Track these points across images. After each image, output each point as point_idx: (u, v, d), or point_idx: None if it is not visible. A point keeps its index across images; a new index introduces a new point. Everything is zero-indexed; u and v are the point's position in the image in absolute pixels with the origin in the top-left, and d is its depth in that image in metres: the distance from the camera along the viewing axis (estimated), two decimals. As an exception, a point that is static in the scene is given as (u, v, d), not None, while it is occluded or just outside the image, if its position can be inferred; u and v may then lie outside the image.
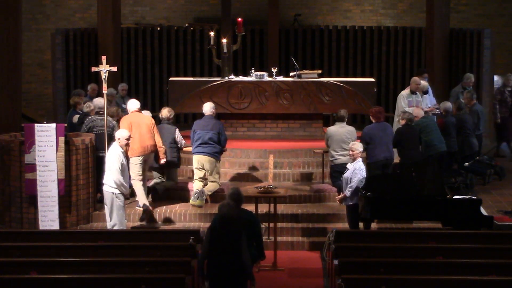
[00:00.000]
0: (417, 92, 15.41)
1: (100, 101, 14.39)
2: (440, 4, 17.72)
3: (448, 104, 14.95)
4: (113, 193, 12.22)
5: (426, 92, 15.58)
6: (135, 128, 13.53)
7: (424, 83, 15.68)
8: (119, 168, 12.16)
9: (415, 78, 15.68)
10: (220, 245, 9.26)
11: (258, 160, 14.94)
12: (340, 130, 13.62)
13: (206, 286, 9.44)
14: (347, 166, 12.53)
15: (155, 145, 13.62)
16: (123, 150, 12.37)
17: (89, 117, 14.23)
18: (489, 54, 18.13)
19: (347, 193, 12.22)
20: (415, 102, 15.28)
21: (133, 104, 13.97)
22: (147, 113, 14.58)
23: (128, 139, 12.52)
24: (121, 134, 12.50)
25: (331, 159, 13.61)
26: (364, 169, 12.29)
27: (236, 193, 10.22)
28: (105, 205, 12.45)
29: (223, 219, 9.35)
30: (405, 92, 15.53)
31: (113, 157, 12.24)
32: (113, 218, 12.30)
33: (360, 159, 12.32)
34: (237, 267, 9.24)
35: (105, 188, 12.29)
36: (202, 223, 13.21)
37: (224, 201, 9.90)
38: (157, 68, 20.11)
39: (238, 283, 9.33)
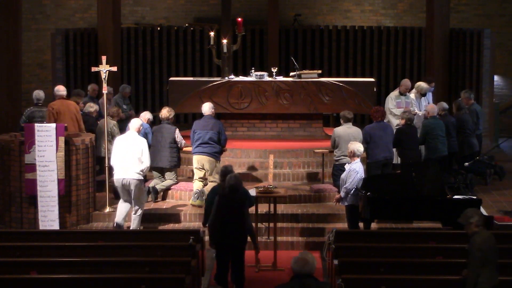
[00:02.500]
0: (407, 94, 15.39)
1: (39, 93, 14.60)
2: (440, 4, 17.73)
3: (445, 104, 14.94)
4: (140, 180, 12.63)
5: (424, 95, 15.53)
6: (59, 115, 13.88)
7: (424, 85, 15.61)
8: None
9: (405, 80, 15.70)
10: (228, 211, 10.59)
11: (258, 160, 14.94)
12: (348, 131, 13.60)
13: (213, 248, 10.76)
14: (345, 166, 12.53)
15: (78, 130, 13.95)
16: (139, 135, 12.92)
17: (28, 109, 14.44)
18: (489, 54, 18.14)
19: (342, 194, 12.22)
20: (404, 104, 15.26)
21: (59, 91, 14.28)
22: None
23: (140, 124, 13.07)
24: (134, 124, 12.89)
25: (336, 158, 13.59)
26: (361, 171, 12.21)
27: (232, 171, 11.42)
28: (122, 193, 12.70)
29: (232, 188, 10.68)
30: (394, 93, 15.53)
31: (144, 146, 12.68)
32: (141, 204, 12.73)
33: (358, 160, 12.26)
34: (241, 231, 10.66)
35: (133, 176, 12.56)
36: (202, 223, 13.22)
37: (232, 174, 11.01)
38: (157, 68, 20.12)
39: (241, 245, 10.75)
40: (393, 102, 15.30)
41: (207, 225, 11.23)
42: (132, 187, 12.59)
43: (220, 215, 10.64)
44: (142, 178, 12.69)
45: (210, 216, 10.86)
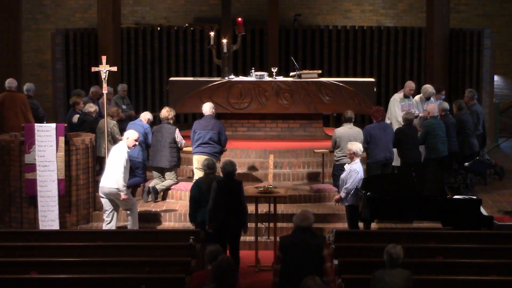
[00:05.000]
0: (410, 96, 15.35)
1: (30, 85, 15.39)
2: (440, 4, 17.72)
3: (445, 104, 14.93)
4: (117, 189, 12.29)
5: (428, 99, 15.45)
6: (3, 107, 14.32)
7: (430, 89, 15.51)
8: (124, 169, 12.27)
9: (410, 82, 15.63)
10: (225, 195, 11.15)
11: (258, 160, 14.94)
12: (349, 131, 13.61)
13: (210, 231, 11.20)
14: (345, 166, 12.53)
15: (21, 123, 14.04)
16: (129, 150, 12.46)
17: None
18: (489, 54, 18.13)
19: (342, 194, 12.22)
20: (408, 106, 15.23)
21: (8, 83, 14.64)
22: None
23: (136, 140, 12.58)
24: (130, 134, 12.55)
25: (336, 158, 13.59)
26: (361, 171, 12.22)
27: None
28: (103, 201, 12.46)
29: (228, 174, 11.27)
30: (398, 96, 15.45)
31: (119, 157, 12.27)
32: (129, 206, 12.46)
33: (358, 160, 12.27)
34: (238, 215, 11.20)
35: (110, 184, 12.29)
36: (202, 223, 13.21)
37: (227, 160, 11.57)
38: (157, 68, 20.11)
39: (238, 229, 11.32)
40: (398, 105, 15.22)
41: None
42: (112, 197, 12.38)
43: (219, 201, 11.14)
44: (120, 187, 12.22)
45: (209, 202, 11.22)
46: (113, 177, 12.27)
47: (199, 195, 11.59)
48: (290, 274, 8.94)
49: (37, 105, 15.57)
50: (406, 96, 15.33)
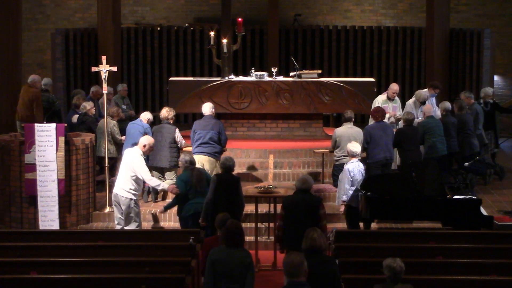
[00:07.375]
0: (395, 98, 15.29)
1: (46, 79, 15.83)
2: (440, 4, 17.73)
3: (447, 104, 14.93)
4: (131, 199, 12.11)
5: (423, 103, 15.36)
6: (20, 99, 14.74)
7: (423, 93, 15.41)
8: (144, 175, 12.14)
9: (393, 85, 15.57)
10: (224, 189, 11.45)
11: (258, 160, 14.94)
12: (350, 131, 13.61)
13: (204, 224, 11.51)
14: (343, 166, 12.52)
15: (29, 115, 14.49)
16: (144, 157, 12.27)
17: None
18: (489, 54, 18.14)
19: (344, 197, 12.19)
20: (392, 108, 15.20)
21: (30, 79, 15.06)
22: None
23: (153, 146, 12.47)
24: (147, 141, 12.31)
25: (336, 158, 13.59)
26: (354, 170, 12.23)
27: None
28: (115, 207, 12.30)
29: (228, 168, 11.62)
30: (381, 98, 15.42)
31: (139, 164, 12.06)
32: (130, 225, 12.16)
33: (356, 159, 12.28)
34: (235, 207, 11.39)
35: (121, 193, 12.10)
36: (202, 223, 13.19)
37: (226, 156, 11.97)
38: (157, 68, 20.12)
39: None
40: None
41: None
42: (121, 205, 12.17)
43: (217, 194, 11.45)
44: (132, 197, 12.08)
45: (208, 194, 11.54)
46: (123, 183, 12.09)
47: (186, 190, 11.90)
48: (291, 229, 10.30)
49: (53, 98, 15.72)
50: (389, 98, 15.28)
